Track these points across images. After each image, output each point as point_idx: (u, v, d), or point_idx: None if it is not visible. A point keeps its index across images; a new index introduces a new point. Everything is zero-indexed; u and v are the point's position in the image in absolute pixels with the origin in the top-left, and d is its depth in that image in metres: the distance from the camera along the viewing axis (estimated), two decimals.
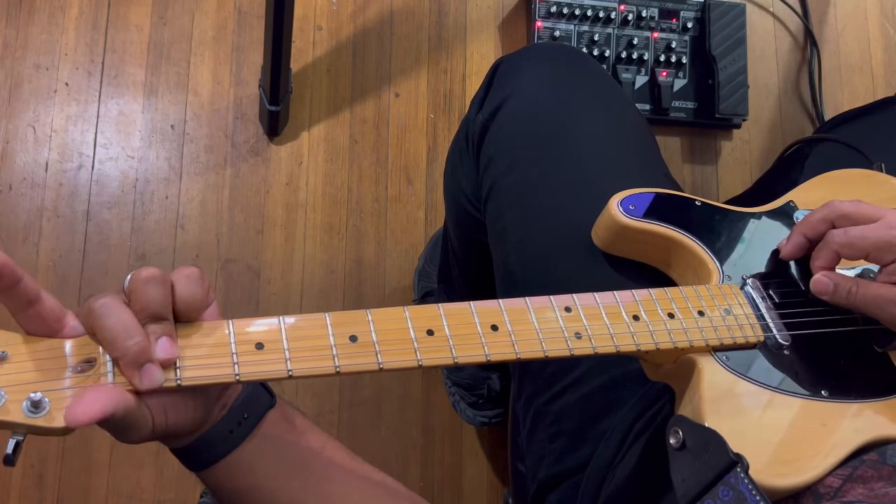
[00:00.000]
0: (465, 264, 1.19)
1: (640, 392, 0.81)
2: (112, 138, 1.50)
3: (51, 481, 1.35)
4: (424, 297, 1.45)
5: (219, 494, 0.61)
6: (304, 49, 1.59)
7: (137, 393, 0.52)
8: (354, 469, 0.65)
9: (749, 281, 0.72)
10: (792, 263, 0.75)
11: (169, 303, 0.54)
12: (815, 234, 0.73)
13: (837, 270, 0.72)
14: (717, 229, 0.77)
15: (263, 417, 0.60)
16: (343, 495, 0.63)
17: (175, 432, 0.56)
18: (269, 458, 0.60)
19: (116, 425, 0.52)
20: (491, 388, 1.40)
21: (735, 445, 0.58)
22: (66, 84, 1.51)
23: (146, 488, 1.37)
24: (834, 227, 0.71)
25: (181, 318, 0.55)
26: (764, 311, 0.70)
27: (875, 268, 0.72)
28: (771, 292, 0.72)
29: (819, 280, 0.71)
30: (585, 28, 1.60)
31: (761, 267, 0.75)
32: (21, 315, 0.52)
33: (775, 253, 0.76)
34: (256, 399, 0.60)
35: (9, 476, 1.35)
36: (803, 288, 0.73)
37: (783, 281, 0.73)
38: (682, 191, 0.83)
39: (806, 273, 0.74)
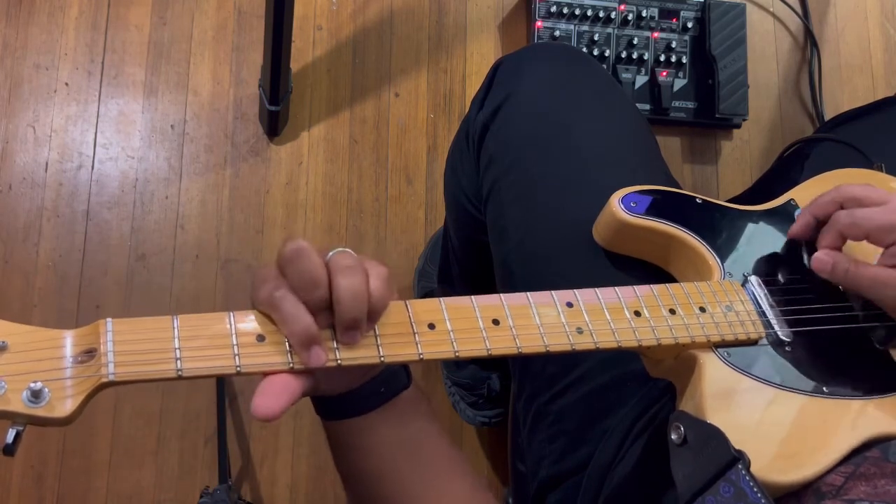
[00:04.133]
0: (465, 264, 1.19)
1: (641, 392, 0.81)
2: (112, 138, 1.50)
3: (50, 481, 1.35)
4: (424, 298, 1.45)
5: (331, 442, 0.65)
6: (304, 49, 1.59)
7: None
8: (454, 463, 0.68)
9: (750, 278, 0.72)
10: (793, 260, 0.75)
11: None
12: (823, 215, 0.74)
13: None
14: (718, 227, 0.77)
15: (398, 395, 0.64)
16: (441, 483, 0.66)
17: (324, 394, 0.62)
18: (385, 429, 0.64)
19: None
20: (491, 387, 1.39)
21: (736, 441, 0.58)
22: (66, 84, 1.51)
23: (146, 488, 1.37)
24: (842, 209, 0.72)
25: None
26: (765, 307, 0.70)
27: None
28: (772, 289, 0.72)
29: (818, 257, 0.72)
30: (585, 28, 1.60)
31: (762, 264, 0.75)
32: None
33: (776, 250, 0.76)
34: (397, 377, 0.64)
35: (9, 476, 1.35)
36: (805, 284, 0.73)
37: (784, 278, 0.74)
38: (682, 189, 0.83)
39: (807, 270, 0.74)
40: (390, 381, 0.64)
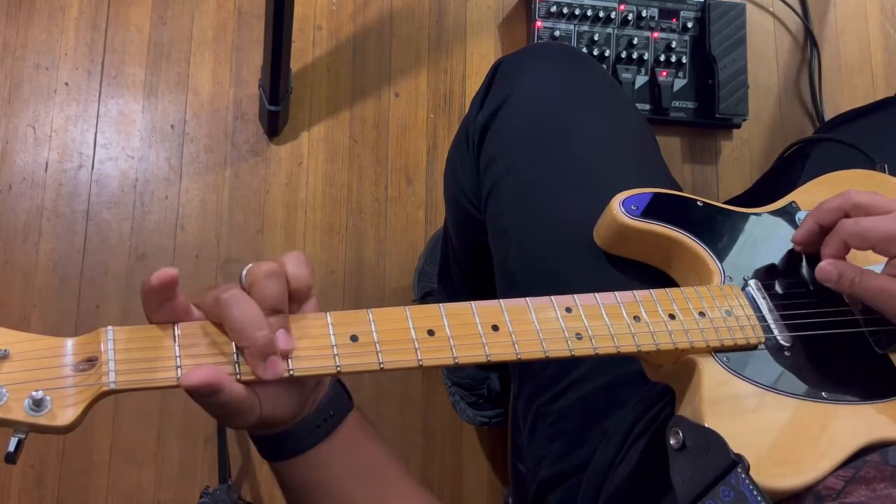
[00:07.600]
0: (465, 264, 1.19)
1: (641, 393, 0.81)
2: (112, 138, 1.50)
3: (51, 482, 1.35)
4: (424, 297, 1.45)
5: (287, 486, 0.63)
6: (304, 49, 1.59)
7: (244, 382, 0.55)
8: (412, 484, 0.67)
9: (750, 282, 0.72)
10: (793, 264, 0.75)
11: (286, 296, 0.57)
12: (827, 222, 0.72)
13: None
14: (718, 230, 0.77)
15: (345, 418, 0.63)
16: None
17: (274, 422, 0.59)
18: (343, 459, 0.62)
19: (228, 409, 0.55)
20: (491, 388, 1.40)
21: (735, 446, 0.57)
22: (66, 84, 1.51)
23: (146, 489, 1.37)
24: (847, 217, 0.71)
25: (293, 300, 0.58)
26: (765, 311, 0.70)
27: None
28: (772, 293, 0.72)
29: (824, 268, 0.71)
30: (585, 28, 1.60)
31: (763, 268, 0.75)
32: (156, 313, 0.55)
33: (777, 254, 0.76)
34: (340, 400, 0.63)
35: (9, 476, 1.35)
36: (805, 289, 0.73)
37: (785, 282, 0.73)
38: (682, 191, 0.83)
39: (807, 274, 0.73)
40: (335, 405, 0.63)
